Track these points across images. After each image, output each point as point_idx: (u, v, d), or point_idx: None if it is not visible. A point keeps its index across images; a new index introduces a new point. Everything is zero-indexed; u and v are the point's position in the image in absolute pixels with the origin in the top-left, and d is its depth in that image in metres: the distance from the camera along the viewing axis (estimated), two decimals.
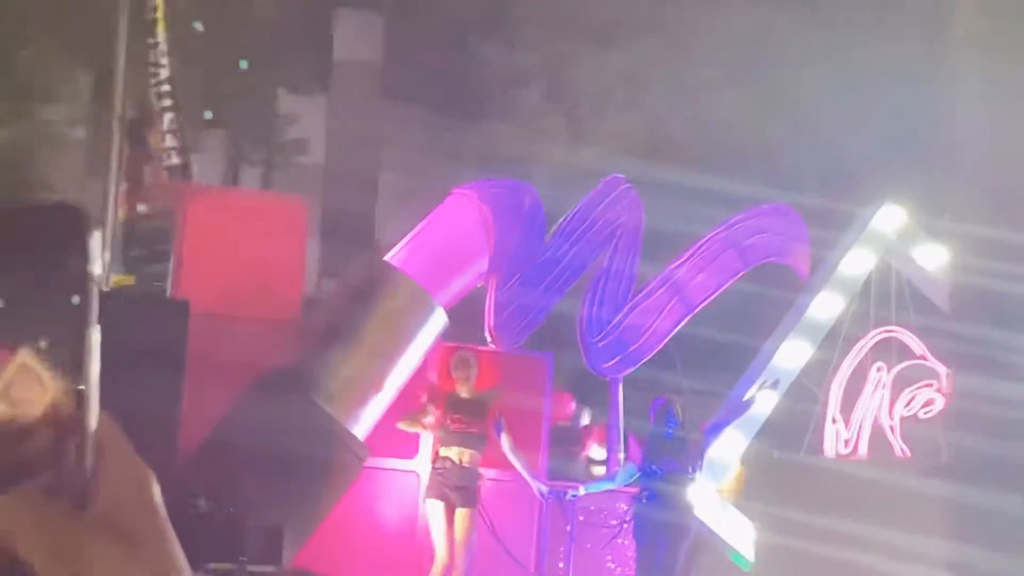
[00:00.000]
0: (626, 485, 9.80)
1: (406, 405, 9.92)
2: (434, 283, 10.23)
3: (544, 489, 9.75)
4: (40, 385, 1.50)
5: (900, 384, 12.21)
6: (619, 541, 10.02)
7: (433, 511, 9.44)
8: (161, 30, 12.88)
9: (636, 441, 10.34)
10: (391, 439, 9.95)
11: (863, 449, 11.87)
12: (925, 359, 12.27)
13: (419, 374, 10.10)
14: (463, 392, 9.80)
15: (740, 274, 11.61)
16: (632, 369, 11.10)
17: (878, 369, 12.06)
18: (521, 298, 10.74)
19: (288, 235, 10.11)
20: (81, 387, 1.36)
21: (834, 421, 11.84)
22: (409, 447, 10.07)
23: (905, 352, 12.33)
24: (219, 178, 18.75)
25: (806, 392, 11.91)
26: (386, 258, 10.33)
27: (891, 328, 12.20)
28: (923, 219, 12.43)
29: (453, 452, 9.50)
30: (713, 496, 10.83)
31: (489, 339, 10.69)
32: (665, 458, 9.44)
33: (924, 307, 12.68)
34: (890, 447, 12.00)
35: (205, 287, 9.57)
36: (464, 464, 9.46)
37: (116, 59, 11.50)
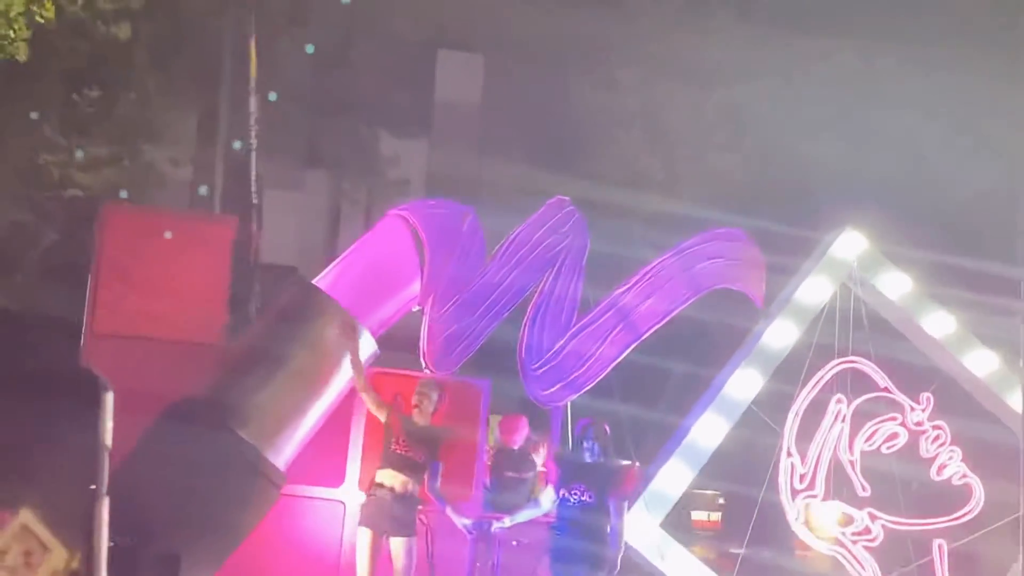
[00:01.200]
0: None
1: (331, 432, 9.97)
2: (363, 307, 10.29)
3: (468, 523, 9.76)
4: (42, 549, 1.62)
5: (862, 418, 12.22)
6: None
7: (361, 539, 9.47)
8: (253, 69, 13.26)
9: (555, 463, 10.33)
10: (317, 467, 10.00)
11: (819, 485, 11.84)
12: (888, 391, 12.27)
13: (346, 401, 10.15)
14: (418, 419, 9.85)
15: (691, 300, 11.62)
16: (574, 397, 11.11)
17: (837, 401, 12.06)
18: (458, 323, 10.79)
19: (212, 256, 10.17)
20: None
21: (789, 455, 11.81)
22: (335, 476, 10.11)
23: (868, 384, 12.34)
24: (323, 217, 19.38)
25: (762, 425, 11.91)
26: (313, 281, 10.38)
27: (852, 359, 12.21)
28: (885, 246, 12.47)
29: (388, 477, 9.52)
30: (655, 531, 10.84)
31: (424, 364, 10.72)
32: (577, 484, 9.45)
33: (888, 337, 12.72)
34: (849, 484, 11.98)
35: (123, 308, 9.66)
36: (399, 491, 9.48)
37: (219, 100, 11.78)
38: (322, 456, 10.00)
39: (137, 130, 16.31)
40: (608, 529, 9.74)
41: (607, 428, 9.82)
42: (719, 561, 12.99)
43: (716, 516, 21.38)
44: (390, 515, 9.43)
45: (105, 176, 16.63)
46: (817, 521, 12.05)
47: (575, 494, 9.56)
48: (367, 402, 9.77)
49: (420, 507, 9.65)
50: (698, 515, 22.10)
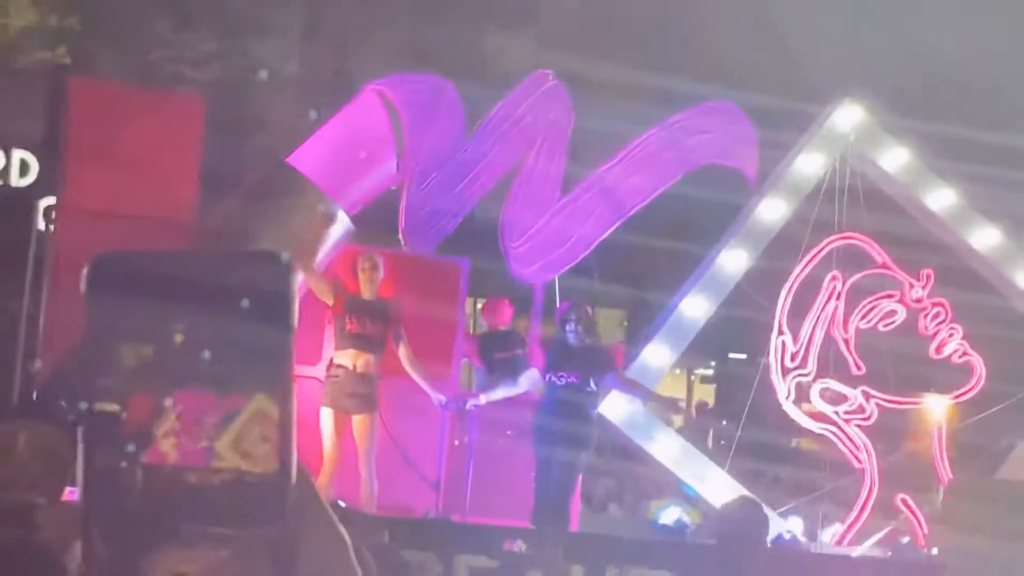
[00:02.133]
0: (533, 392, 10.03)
1: (307, 310, 10.17)
2: (336, 184, 10.44)
3: (443, 399, 10.00)
4: (273, 433, 1.77)
5: (861, 295, 12.29)
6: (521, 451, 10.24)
7: (324, 420, 9.73)
8: None
9: (541, 347, 10.53)
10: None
11: (811, 363, 11.97)
12: (887, 268, 12.32)
13: (333, 279, 10.35)
14: (366, 295, 10.05)
15: (679, 177, 11.70)
16: (556, 275, 11.27)
17: (832, 278, 12.13)
18: (436, 200, 10.94)
19: (182, 133, 10.34)
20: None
21: (781, 332, 11.93)
22: (312, 354, 10.34)
23: (867, 261, 12.40)
24: None
25: (752, 302, 12.03)
26: (286, 159, 10.53)
27: (848, 235, 12.25)
28: (885, 118, 12.45)
29: (348, 357, 9.78)
30: (639, 412, 11.05)
31: (402, 242, 10.91)
32: (564, 366, 9.66)
33: (889, 212, 12.75)
34: (844, 363, 12.09)
35: (92, 185, 9.86)
36: (359, 370, 9.72)
37: None
38: (298, 334, 10.19)
39: (246, 25, 16.44)
40: (592, 410, 9.99)
41: (589, 310, 10.01)
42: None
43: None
44: (349, 393, 9.69)
45: (215, 71, 16.84)
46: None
47: (562, 377, 9.80)
48: (311, 285, 9.92)
49: (379, 382, 9.87)
50: None
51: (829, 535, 11.92)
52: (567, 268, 11.34)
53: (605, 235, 11.42)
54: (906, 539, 10.82)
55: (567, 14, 16.49)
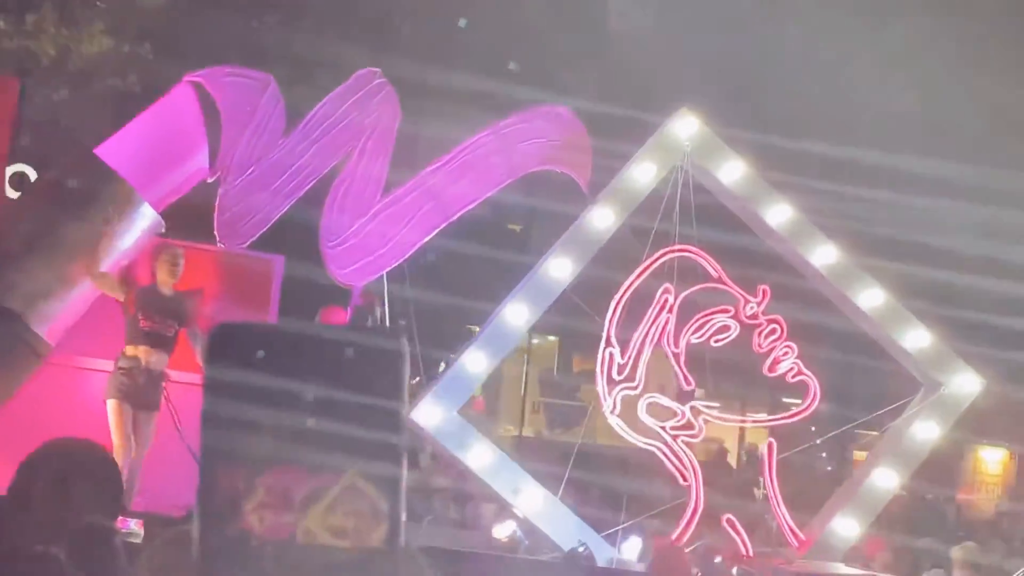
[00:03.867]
0: None
1: (108, 304, 10.46)
2: (145, 177, 10.76)
3: None
4: (371, 508, 2.05)
5: (691, 309, 12.80)
6: None
7: (110, 412, 10.04)
8: None
9: None
10: (94, 339, 10.52)
11: (640, 375, 12.44)
12: (722, 282, 12.84)
13: (127, 273, 10.65)
14: (163, 289, 10.36)
15: (508, 182, 12.15)
16: (374, 277, 11.66)
17: (664, 291, 12.62)
18: (252, 196, 11.30)
19: None
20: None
21: (608, 344, 12.39)
22: (113, 348, 10.62)
23: (700, 274, 12.90)
24: None
25: (582, 313, 12.49)
26: (94, 150, 10.82)
27: (683, 247, 12.76)
28: (721, 130, 12.99)
29: (140, 352, 10.07)
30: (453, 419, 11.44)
31: (217, 237, 11.25)
32: None
33: (726, 225, 13.29)
34: (673, 377, 12.59)
35: None
36: (148, 367, 10.05)
37: None
38: (99, 328, 10.50)
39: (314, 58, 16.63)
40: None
41: (377, 306, 10.38)
42: None
43: None
44: (135, 390, 10.01)
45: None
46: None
47: None
48: (96, 284, 10.22)
49: (165, 382, 10.18)
50: None
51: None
52: (386, 271, 11.72)
53: (428, 238, 11.82)
54: (718, 559, 11.29)
55: (402, 16, 16.93)
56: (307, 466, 2.53)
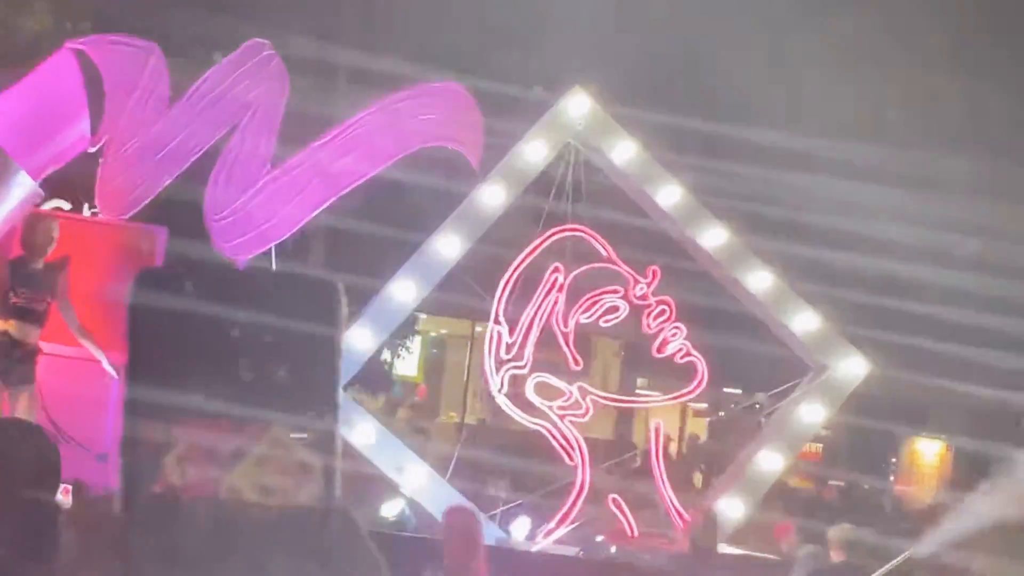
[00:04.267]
0: None
1: None
2: (23, 146, 10.65)
3: (115, 371, 10.29)
4: (300, 465, 1.88)
5: (581, 289, 12.94)
6: None
7: None
8: None
9: None
10: None
11: (528, 354, 12.55)
12: (612, 263, 12.98)
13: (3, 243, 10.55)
14: (35, 263, 10.28)
15: (397, 157, 12.18)
16: (260, 252, 11.66)
17: (554, 270, 12.75)
18: (135, 167, 11.24)
19: None
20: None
21: (497, 322, 12.49)
22: None
23: (591, 254, 13.04)
24: None
25: (471, 290, 12.59)
26: None
27: (574, 227, 12.89)
28: (615, 109, 13.12)
29: (11, 327, 9.99)
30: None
31: (98, 208, 11.19)
32: None
33: (618, 206, 13.44)
34: (559, 353, 12.72)
35: None
36: (18, 341, 9.98)
37: None
38: None
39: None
40: None
41: None
42: None
43: None
44: (6, 366, 9.93)
45: None
46: None
47: None
48: None
49: (38, 357, 10.14)
50: None
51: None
52: (272, 245, 11.71)
53: (315, 213, 11.84)
54: (600, 537, 11.45)
55: None
56: (232, 420, 2.47)
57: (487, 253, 12.62)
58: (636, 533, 12.54)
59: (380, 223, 12.83)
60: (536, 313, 12.69)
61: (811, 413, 13.27)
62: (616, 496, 12.60)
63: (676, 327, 13.04)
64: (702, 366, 13.12)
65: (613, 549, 11.02)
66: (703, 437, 25.48)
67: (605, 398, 13.01)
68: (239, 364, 2.60)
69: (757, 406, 15.69)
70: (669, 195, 13.15)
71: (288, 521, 2.50)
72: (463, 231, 12.30)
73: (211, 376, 2.59)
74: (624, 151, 13.05)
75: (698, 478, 21.43)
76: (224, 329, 2.58)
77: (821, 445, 26.84)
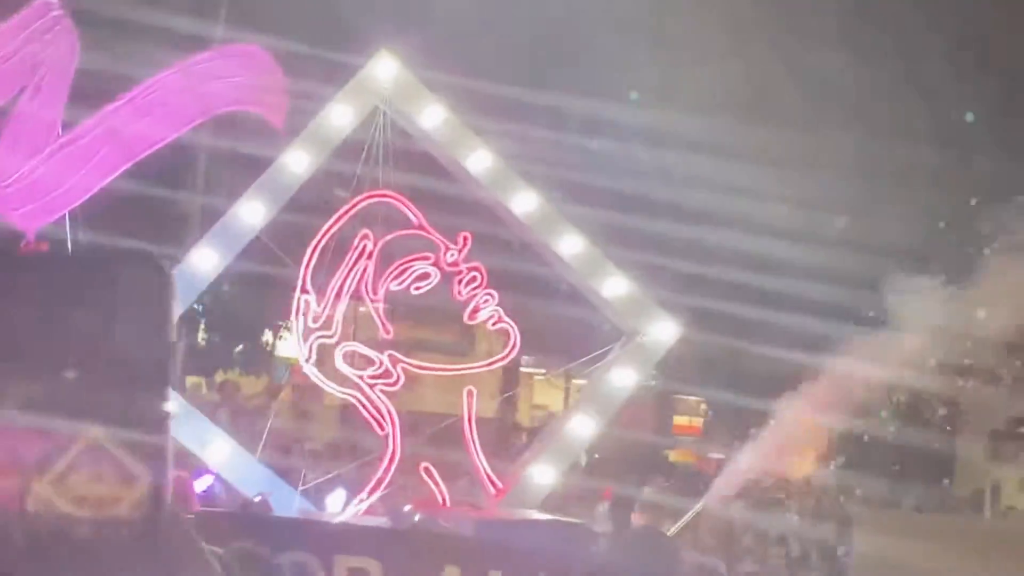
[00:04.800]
0: None
1: None
2: None
3: None
4: (117, 471, 1.53)
5: (391, 256, 12.91)
6: None
7: None
8: None
9: None
10: None
11: (336, 323, 12.49)
12: (422, 229, 12.96)
13: None
14: None
15: (197, 122, 12.02)
16: (50, 220, 11.40)
17: (362, 237, 12.69)
18: None
19: None
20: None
21: (305, 291, 12.39)
22: None
23: (404, 221, 13.02)
24: None
25: (275, 258, 12.49)
26: None
27: (383, 193, 12.84)
28: (423, 73, 13.09)
29: None
30: None
31: None
32: None
33: (431, 172, 13.45)
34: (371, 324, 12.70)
35: None
36: None
37: None
38: None
39: None
40: None
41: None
42: None
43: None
44: None
45: None
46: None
47: None
48: None
49: None
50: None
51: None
52: (61, 214, 11.46)
53: (108, 180, 11.60)
54: (407, 507, 11.49)
55: None
56: (39, 424, 2.20)
57: (298, 220, 12.54)
58: (447, 501, 12.63)
59: (179, 189, 12.64)
60: (344, 281, 12.63)
61: (622, 378, 13.45)
62: (428, 464, 12.65)
63: (488, 294, 13.09)
64: (515, 332, 13.22)
65: (416, 517, 11.06)
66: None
67: (416, 366, 12.98)
68: (55, 360, 2.38)
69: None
70: (479, 160, 13.19)
71: (110, 535, 2.35)
72: (267, 197, 12.19)
73: (20, 375, 2.37)
74: (433, 115, 13.06)
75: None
76: (34, 322, 2.37)
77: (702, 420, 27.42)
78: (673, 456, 24.29)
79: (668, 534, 11.39)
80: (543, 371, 24.79)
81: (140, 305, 2.11)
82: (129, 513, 2.20)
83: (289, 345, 26.08)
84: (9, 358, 2.26)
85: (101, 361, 2.14)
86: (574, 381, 24.68)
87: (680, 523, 11.96)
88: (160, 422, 2.08)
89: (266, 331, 22.22)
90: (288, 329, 24.78)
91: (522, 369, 23.58)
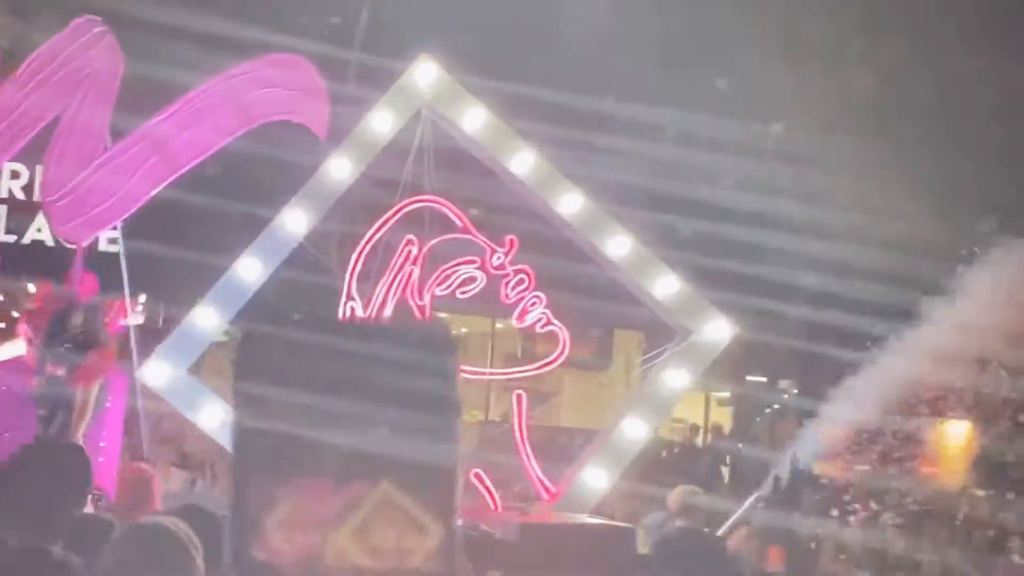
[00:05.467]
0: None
1: None
2: None
3: None
4: (414, 527, 1.72)
5: (437, 261, 13.18)
6: None
7: None
8: None
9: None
10: None
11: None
12: (467, 232, 13.24)
13: None
14: None
15: (240, 132, 12.39)
16: (100, 232, 11.81)
17: (407, 242, 12.97)
18: None
19: None
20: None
21: (350, 298, 12.71)
22: None
23: (448, 226, 13.30)
24: None
25: (318, 265, 12.80)
26: None
27: (427, 198, 13.13)
28: (464, 77, 13.38)
29: None
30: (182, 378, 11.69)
31: None
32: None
33: (474, 175, 13.74)
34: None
35: None
36: None
37: None
38: None
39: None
40: None
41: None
42: None
43: None
44: None
45: None
46: None
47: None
48: None
49: None
50: None
51: None
52: (111, 225, 11.87)
53: (155, 191, 11.99)
54: None
55: None
56: (333, 478, 2.33)
57: (344, 227, 12.84)
58: (499, 507, 12.83)
59: (226, 199, 13.00)
60: (390, 287, 12.92)
61: (675, 379, 13.60)
62: (479, 471, 12.88)
63: (536, 296, 13.31)
64: (564, 335, 13.43)
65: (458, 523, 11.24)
66: (724, 426, 25.57)
67: (473, 372, 13.25)
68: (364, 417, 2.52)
69: None
70: (522, 162, 13.44)
71: None
72: (310, 206, 12.51)
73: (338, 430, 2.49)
74: (474, 118, 13.32)
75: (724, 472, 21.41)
76: (353, 380, 2.51)
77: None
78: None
79: (715, 534, 11.49)
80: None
81: (435, 370, 2.29)
82: (420, 565, 2.32)
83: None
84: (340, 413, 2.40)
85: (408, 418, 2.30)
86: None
87: (728, 523, 12.09)
88: (449, 471, 2.21)
89: None
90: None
91: None
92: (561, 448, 13.59)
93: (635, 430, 13.51)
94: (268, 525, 2.38)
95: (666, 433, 23.85)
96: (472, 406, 25.14)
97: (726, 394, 26.19)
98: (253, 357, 2.58)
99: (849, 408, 13.47)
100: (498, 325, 22.39)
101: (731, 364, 18.34)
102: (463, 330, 27.61)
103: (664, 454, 19.71)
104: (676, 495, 10.84)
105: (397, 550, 2.31)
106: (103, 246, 13.86)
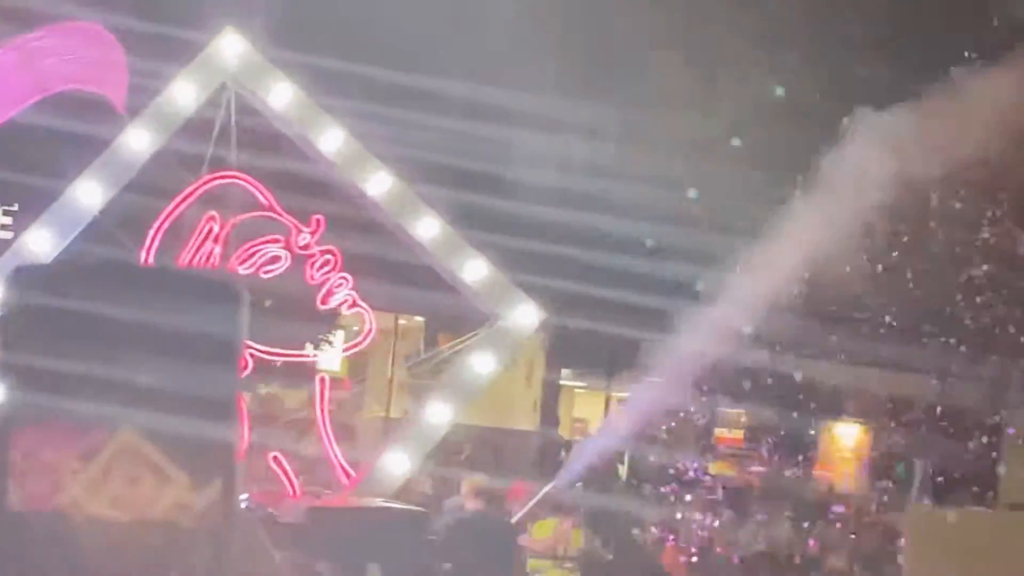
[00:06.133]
0: None
1: None
2: None
3: None
4: (154, 475, 1.62)
5: (241, 238, 13.07)
6: None
7: None
8: None
9: None
10: None
11: None
12: (272, 211, 13.15)
13: None
14: None
15: (34, 100, 12.18)
16: None
17: (208, 219, 12.85)
18: None
19: None
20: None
21: None
22: None
23: (251, 203, 13.18)
24: None
25: (115, 241, 12.63)
26: None
27: (229, 174, 13.03)
28: (272, 51, 13.29)
29: None
30: None
31: None
32: None
33: (283, 153, 13.66)
34: None
35: None
36: None
37: None
38: None
39: None
40: None
41: None
42: None
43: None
44: None
45: None
46: None
47: None
48: None
49: None
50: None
51: None
52: None
53: None
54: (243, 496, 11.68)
55: None
56: (77, 421, 2.21)
57: (143, 202, 12.67)
58: (298, 492, 12.83)
59: (14, 170, 12.76)
60: (190, 264, 12.77)
61: (481, 364, 13.68)
62: (278, 455, 12.86)
63: (342, 278, 13.26)
64: (370, 317, 13.45)
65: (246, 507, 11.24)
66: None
67: (263, 351, 13.17)
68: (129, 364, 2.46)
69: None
70: (331, 140, 13.41)
71: (147, 539, 2.30)
72: (106, 178, 12.34)
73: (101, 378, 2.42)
74: (281, 94, 13.26)
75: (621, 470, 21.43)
76: (112, 328, 2.44)
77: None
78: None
79: (504, 518, 11.59)
80: (583, 384, 24.87)
81: (217, 319, 2.26)
82: (161, 515, 2.22)
83: (329, 358, 26.07)
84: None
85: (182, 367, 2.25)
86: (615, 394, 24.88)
87: (525, 508, 12.23)
88: (226, 420, 2.18)
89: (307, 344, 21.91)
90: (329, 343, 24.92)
91: (562, 382, 23.81)
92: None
93: (438, 416, 13.59)
94: (14, 470, 2.39)
95: (567, 433, 24.12)
96: (375, 402, 25.03)
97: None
98: (20, 300, 2.61)
99: (651, 389, 13.68)
100: (401, 321, 22.25)
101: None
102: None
103: (563, 453, 19.73)
104: (470, 481, 11.00)
105: (136, 501, 2.28)
106: None
